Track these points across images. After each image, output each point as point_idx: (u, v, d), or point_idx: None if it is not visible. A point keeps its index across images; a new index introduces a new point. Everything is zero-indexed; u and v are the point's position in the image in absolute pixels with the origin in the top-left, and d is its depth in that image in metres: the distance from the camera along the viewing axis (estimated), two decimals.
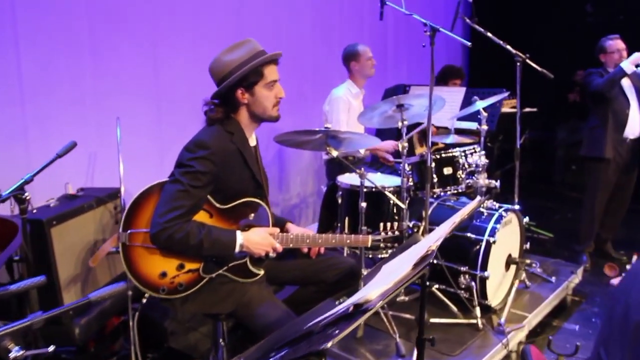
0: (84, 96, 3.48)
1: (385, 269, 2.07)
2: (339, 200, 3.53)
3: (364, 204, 3.16)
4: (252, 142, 2.48)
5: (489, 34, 3.72)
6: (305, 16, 5.03)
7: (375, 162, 4.44)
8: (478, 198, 2.20)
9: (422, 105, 3.26)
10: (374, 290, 1.58)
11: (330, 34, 5.29)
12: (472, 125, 4.10)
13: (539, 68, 3.78)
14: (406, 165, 3.35)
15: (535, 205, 6.30)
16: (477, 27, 3.77)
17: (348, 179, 3.57)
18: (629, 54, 4.25)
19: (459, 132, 4.18)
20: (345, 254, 3.40)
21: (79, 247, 2.81)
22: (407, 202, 3.42)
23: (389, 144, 4.13)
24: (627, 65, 4.15)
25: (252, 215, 2.39)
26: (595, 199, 4.50)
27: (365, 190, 3.22)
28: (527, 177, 6.67)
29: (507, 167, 5.25)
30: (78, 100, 3.45)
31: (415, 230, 3.56)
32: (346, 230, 3.47)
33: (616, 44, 4.38)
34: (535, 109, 5.84)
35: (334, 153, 2.96)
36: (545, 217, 5.86)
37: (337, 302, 1.88)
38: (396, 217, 3.44)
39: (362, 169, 3.14)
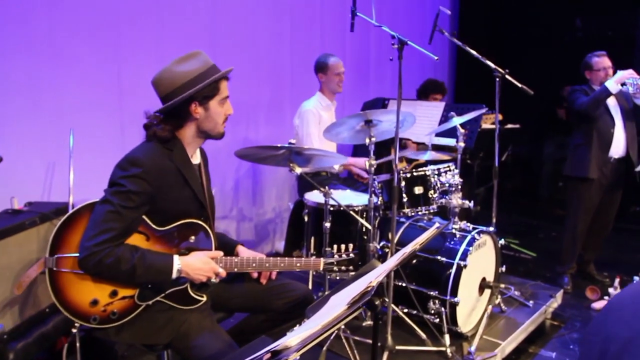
0: (42, 106, 3.32)
1: (333, 300, 1.87)
2: (306, 219, 3.39)
3: (327, 224, 3.08)
4: (196, 159, 2.32)
5: (468, 48, 3.62)
6: (284, 24, 4.89)
7: (351, 179, 4.31)
8: (435, 225, 2.02)
9: (392, 121, 3.09)
10: (296, 335, 1.37)
11: (311, 42, 5.17)
12: (450, 142, 3.96)
13: (518, 84, 3.66)
14: (376, 183, 3.26)
15: (519, 222, 6.22)
16: (455, 40, 3.69)
17: (315, 196, 3.42)
18: (615, 72, 4.09)
19: (437, 148, 4.04)
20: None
21: (18, 267, 2.61)
22: (377, 222, 3.31)
23: (361, 160, 3.99)
24: (612, 84, 3.98)
25: (193, 237, 2.21)
26: (577, 219, 4.34)
27: (332, 209, 3.14)
28: (511, 193, 6.67)
29: (489, 185, 5.09)
30: (36, 110, 3.29)
31: (386, 249, 3.43)
32: (312, 250, 3.33)
33: (602, 61, 4.21)
34: (517, 126, 5.73)
35: (298, 170, 2.85)
36: (529, 235, 5.75)
37: (287, 333, 1.69)
38: (365, 238, 3.28)
39: (327, 187, 3.03)
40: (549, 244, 5.47)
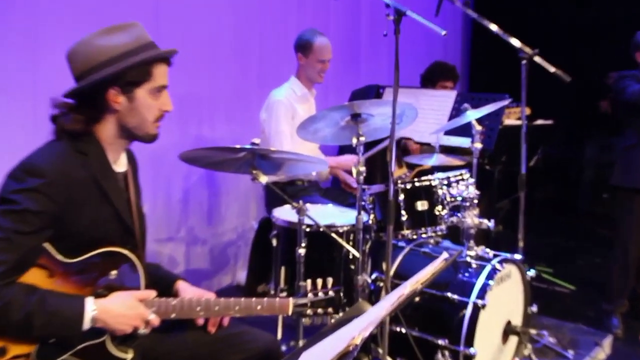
0: None
1: (304, 358, 1.76)
2: (274, 243, 3.33)
3: (302, 250, 3.03)
4: (120, 166, 2.24)
5: (486, 22, 3.57)
6: None
7: (336, 189, 4.36)
8: (443, 256, 1.90)
9: (387, 115, 3.01)
10: None
11: (286, 15, 5.15)
12: (464, 142, 3.91)
13: (551, 68, 3.61)
14: (367, 196, 3.29)
15: (553, 245, 6.19)
16: (469, 11, 3.66)
17: (286, 213, 3.35)
18: None
19: (447, 150, 4.03)
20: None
21: None
22: (368, 247, 3.29)
23: (349, 160, 3.99)
24: None
25: (115, 272, 2.12)
26: (629, 242, 4.32)
27: (308, 230, 3.11)
28: (542, 206, 6.67)
29: (513, 197, 5.09)
30: None
31: (380, 284, 3.42)
32: (282, 285, 3.26)
33: None
34: (549, 122, 5.71)
35: (263, 179, 2.81)
36: (566, 262, 5.73)
37: None
38: (352, 268, 3.22)
39: (301, 201, 2.97)
40: (591, 274, 5.45)
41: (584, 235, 6.58)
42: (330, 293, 2.36)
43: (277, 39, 5.05)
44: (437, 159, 3.73)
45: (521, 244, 3.74)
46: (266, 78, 4.90)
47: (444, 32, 2.76)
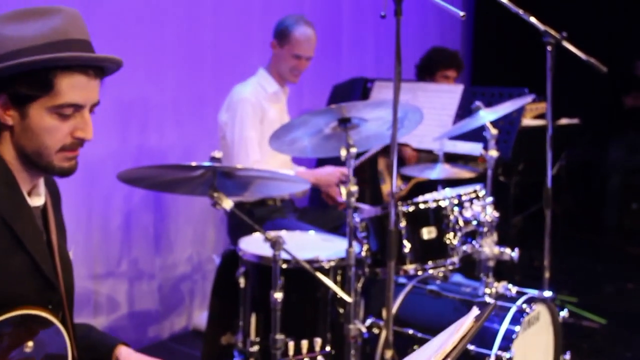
0: None
1: None
2: (241, 283, 3.26)
3: (278, 295, 2.93)
4: (37, 199, 2.05)
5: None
6: None
7: (317, 210, 4.31)
8: (473, 312, 1.70)
9: (383, 119, 3.02)
10: None
11: (250, 3, 5.10)
12: (474, 149, 3.97)
13: (583, 55, 3.56)
14: (358, 221, 3.22)
15: (576, 267, 6.10)
16: None
17: (255, 244, 3.27)
18: None
19: (453, 159, 4.05)
20: None
21: None
22: (360, 286, 3.25)
23: (333, 173, 3.91)
24: None
25: (31, 343, 1.93)
26: None
27: (285, 266, 3.06)
28: (563, 222, 6.53)
29: (529, 212, 5.20)
30: None
31: (376, 331, 3.35)
32: (252, 337, 3.22)
33: None
34: (575, 120, 5.69)
35: (226, 204, 2.80)
36: (591, 288, 5.68)
37: None
38: (342, 313, 3.20)
39: (275, 233, 2.99)
40: (624, 303, 5.42)
41: (611, 255, 6.56)
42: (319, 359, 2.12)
43: (238, 24, 5.01)
44: (441, 171, 3.70)
45: (547, 274, 3.65)
46: (223, 81, 4.82)
47: (462, 14, 2.62)
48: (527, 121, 4.91)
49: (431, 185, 3.90)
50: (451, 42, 6.80)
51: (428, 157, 4.25)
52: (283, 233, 3.30)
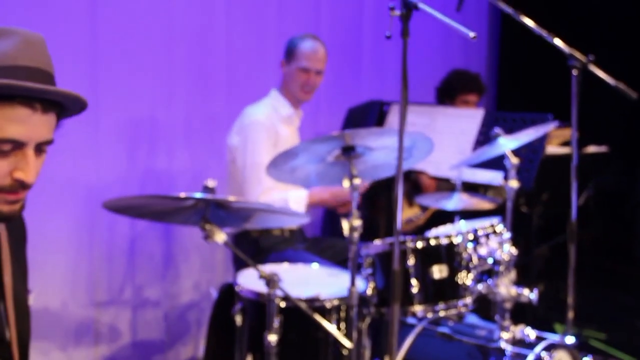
0: None
1: None
2: (238, 321, 3.09)
3: (273, 337, 2.78)
4: None
5: (525, 20, 3.44)
6: None
7: (328, 238, 4.18)
8: None
9: (390, 148, 2.90)
10: None
11: (264, 9, 4.99)
12: (494, 178, 3.98)
13: (611, 80, 3.48)
14: (364, 257, 3.15)
15: (605, 300, 5.99)
16: (501, 4, 3.46)
17: (253, 280, 3.05)
18: None
19: (471, 188, 3.98)
20: None
21: None
22: (366, 326, 3.13)
23: (341, 192, 3.79)
24: None
25: None
26: None
27: (282, 305, 2.87)
28: (591, 254, 6.37)
29: (553, 242, 5.09)
30: None
31: None
32: None
33: None
34: (603, 148, 5.58)
35: (219, 237, 2.67)
36: (621, 325, 5.48)
37: None
38: (344, 356, 3.01)
39: (271, 272, 2.73)
40: None
41: None
42: None
43: (254, 44, 4.94)
44: (458, 201, 3.63)
45: (571, 314, 3.52)
46: (237, 92, 4.78)
47: (472, 34, 2.51)
48: (553, 148, 4.86)
49: (451, 213, 3.80)
50: (476, 64, 6.78)
51: (447, 185, 4.15)
52: (284, 266, 3.20)
